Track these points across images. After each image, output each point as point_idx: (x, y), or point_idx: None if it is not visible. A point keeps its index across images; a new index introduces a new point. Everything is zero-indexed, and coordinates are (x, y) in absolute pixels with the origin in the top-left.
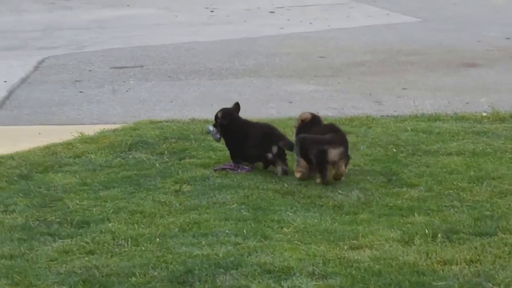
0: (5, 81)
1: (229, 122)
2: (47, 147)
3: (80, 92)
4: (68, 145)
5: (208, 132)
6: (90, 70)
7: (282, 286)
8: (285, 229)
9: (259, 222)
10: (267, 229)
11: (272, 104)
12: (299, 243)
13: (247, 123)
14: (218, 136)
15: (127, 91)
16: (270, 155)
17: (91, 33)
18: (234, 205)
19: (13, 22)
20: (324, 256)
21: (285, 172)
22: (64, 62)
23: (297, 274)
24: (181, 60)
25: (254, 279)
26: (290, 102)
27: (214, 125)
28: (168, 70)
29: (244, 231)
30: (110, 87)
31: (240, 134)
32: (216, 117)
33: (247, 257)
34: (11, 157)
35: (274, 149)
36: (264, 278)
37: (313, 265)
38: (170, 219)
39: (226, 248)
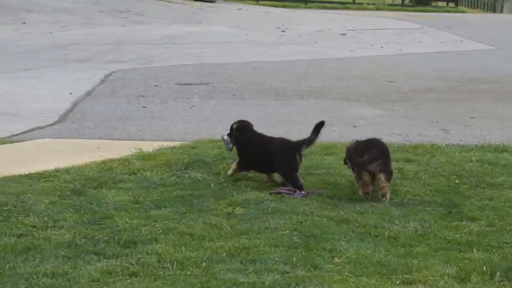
0: (71, 93)
1: (243, 135)
2: (104, 162)
3: (144, 107)
4: (124, 161)
5: (222, 140)
6: (155, 86)
7: None
8: (337, 259)
9: (310, 250)
10: (317, 258)
11: (336, 127)
12: (350, 275)
13: (261, 136)
14: (230, 146)
15: (190, 108)
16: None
17: (161, 48)
18: (286, 231)
19: (85, 35)
20: None
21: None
22: (130, 77)
23: None
24: (247, 79)
25: None
26: (354, 127)
27: (229, 135)
28: (233, 88)
29: (294, 259)
30: (174, 104)
31: (255, 146)
32: (232, 128)
33: (294, 287)
34: (67, 171)
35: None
36: None
37: None
38: (219, 243)
39: (273, 277)
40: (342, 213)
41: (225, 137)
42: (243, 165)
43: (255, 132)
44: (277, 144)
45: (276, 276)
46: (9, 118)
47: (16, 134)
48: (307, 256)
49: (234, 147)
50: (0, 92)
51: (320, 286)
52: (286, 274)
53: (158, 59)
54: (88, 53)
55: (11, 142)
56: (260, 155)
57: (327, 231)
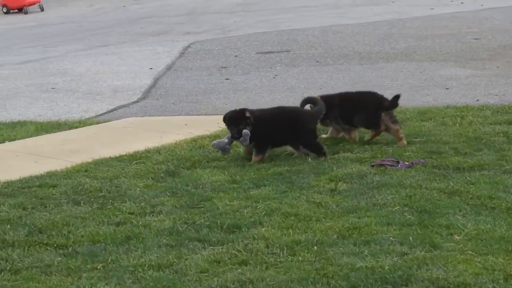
0: (151, 68)
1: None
2: (194, 140)
3: (226, 79)
4: (215, 137)
5: (223, 147)
6: (236, 56)
7: None
8: (456, 237)
9: (426, 227)
10: (435, 236)
11: (427, 90)
12: (473, 253)
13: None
14: (248, 141)
15: (274, 77)
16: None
17: (236, 16)
18: (396, 207)
19: (158, 7)
20: (505, 270)
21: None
22: (209, 48)
23: None
24: (329, 44)
25: None
26: (447, 88)
27: (238, 132)
28: (315, 54)
29: (410, 238)
30: (257, 74)
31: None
32: (244, 117)
33: (417, 270)
34: (158, 151)
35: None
36: None
37: (493, 282)
38: (328, 223)
39: (392, 259)
40: (452, 184)
41: (246, 131)
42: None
43: (263, 109)
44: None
45: (395, 259)
46: (92, 97)
47: (101, 114)
48: (423, 234)
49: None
50: (80, 71)
51: (444, 268)
52: (405, 256)
53: (234, 28)
54: (163, 26)
55: (97, 123)
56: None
57: (440, 205)
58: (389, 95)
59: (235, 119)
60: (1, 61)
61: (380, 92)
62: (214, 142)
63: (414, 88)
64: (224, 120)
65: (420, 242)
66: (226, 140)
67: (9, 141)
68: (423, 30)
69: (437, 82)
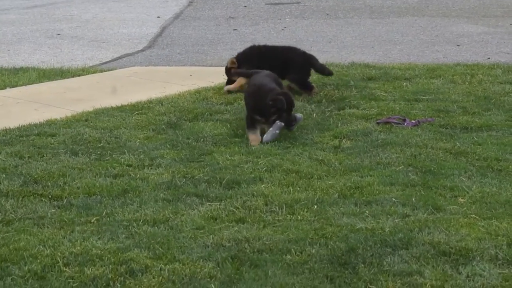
0: (159, 17)
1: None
2: (198, 92)
3: (234, 30)
4: (220, 89)
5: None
6: (245, 6)
7: (460, 273)
8: (460, 199)
9: (429, 188)
10: (438, 198)
11: (438, 47)
12: (477, 217)
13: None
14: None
15: (282, 29)
16: None
17: None
18: (400, 167)
19: None
20: (508, 235)
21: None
22: None
23: (477, 258)
24: None
25: (427, 263)
26: (458, 45)
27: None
28: (325, 7)
29: (413, 199)
30: (265, 25)
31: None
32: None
33: (418, 233)
34: (160, 102)
35: None
36: (439, 262)
37: (495, 247)
38: (329, 182)
39: (393, 221)
40: (458, 144)
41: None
42: None
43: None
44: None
45: (396, 220)
46: (98, 44)
47: (105, 62)
48: (426, 195)
49: None
50: (87, 17)
51: (446, 232)
52: (406, 218)
53: None
54: None
55: (101, 71)
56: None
57: (445, 166)
58: (398, 51)
59: (291, 104)
60: (8, 5)
61: (389, 47)
62: (267, 138)
63: (425, 44)
64: (280, 104)
65: (423, 204)
66: (277, 131)
67: (11, 87)
68: None
69: (448, 39)
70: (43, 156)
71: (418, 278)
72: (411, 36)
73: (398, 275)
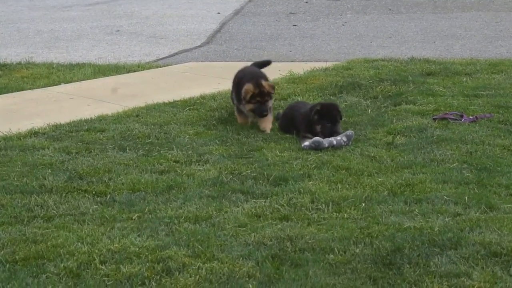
0: (219, 13)
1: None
2: None
3: (294, 25)
4: (275, 85)
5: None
6: (306, 2)
7: (511, 275)
8: None
9: (484, 186)
10: (493, 196)
11: (502, 41)
12: None
13: None
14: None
15: (343, 25)
16: None
17: None
18: (454, 164)
19: None
20: None
21: None
22: None
23: None
24: None
25: (477, 265)
26: None
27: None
28: (388, 2)
29: (466, 198)
30: (325, 21)
31: None
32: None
33: (468, 233)
34: (213, 97)
35: None
36: (489, 263)
37: None
38: (380, 179)
39: (443, 220)
40: None
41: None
42: None
43: None
44: None
45: (447, 220)
46: (156, 41)
47: (162, 58)
48: (480, 194)
49: None
50: (147, 14)
51: (499, 232)
52: (457, 217)
53: None
54: None
55: (157, 67)
56: None
57: (502, 163)
58: (460, 46)
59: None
60: (71, 2)
61: (451, 42)
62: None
63: (488, 39)
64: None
65: (476, 202)
66: (326, 145)
67: (65, 83)
68: None
69: None
70: (91, 151)
71: (465, 280)
72: (474, 31)
73: (445, 276)
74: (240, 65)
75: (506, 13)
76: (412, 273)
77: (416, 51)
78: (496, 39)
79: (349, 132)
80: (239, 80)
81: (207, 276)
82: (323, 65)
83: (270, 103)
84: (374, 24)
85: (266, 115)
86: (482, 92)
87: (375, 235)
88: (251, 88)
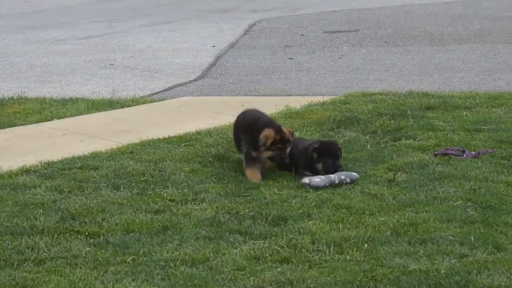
0: (214, 46)
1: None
2: None
3: (290, 58)
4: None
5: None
6: (302, 35)
7: None
8: None
9: (490, 226)
10: (499, 236)
11: (501, 74)
12: None
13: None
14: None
15: (339, 58)
16: None
17: None
18: (458, 202)
19: None
20: None
21: None
22: (275, 26)
23: None
24: (399, 24)
25: None
26: None
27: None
28: (384, 35)
29: (472, 238)
30: (322, 54)
31: None
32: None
33: (476, 276)
34: (209, 133)
35: None
36: None
37: None
38: (382, 218)
39: (449, 262)
40: None
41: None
42: None
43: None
44: None
45: (453, 261)
46: (150, 74)
47: (157, 92)
48: (486, 233)
49: None
50: (141, 47)
51: (508, 274)
52: (464, 258)
53: (304, 5)
54: (231, 2)
55: (152, 101)
56: None
57: (507, 201)
58: (459, 79)
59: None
60: (64, 36)
61: (449, 75)
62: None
63: (486, 71)
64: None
65: (483, 242)
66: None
67: (58, 118)
68: (499, 11)
69: (511, 66)
70: (84, 190)
71: None
72: (472, 64)
73: None
74: (237, 99)
75: (503, 45)
76: None
77: (414, 85)
78: (494, 71)
79: (355, 176)
80: (251, 125)
81: None
82: (320, 99)
83: (288, 150)
84: (370, 57)
85: (287, 163)
86: (483, 127)
87: (380, 278)
88: (272, 134)
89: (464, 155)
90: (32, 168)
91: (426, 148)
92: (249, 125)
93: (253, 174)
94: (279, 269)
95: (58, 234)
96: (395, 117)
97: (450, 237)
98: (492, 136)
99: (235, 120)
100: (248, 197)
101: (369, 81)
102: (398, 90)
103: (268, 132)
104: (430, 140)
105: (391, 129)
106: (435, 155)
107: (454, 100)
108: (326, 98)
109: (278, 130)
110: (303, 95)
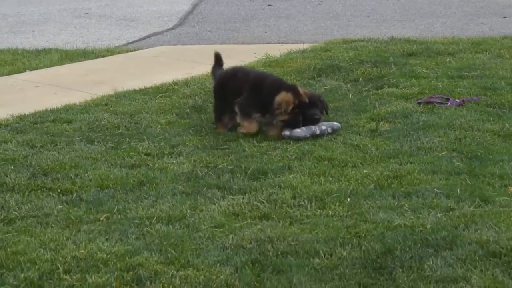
0: None
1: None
2: None
3: (269, 5)
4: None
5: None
6: None
7: None
8: (510, 189)
9: (476, 177)
10: (486, 188)
11: (483, 19)
12: None
13: None
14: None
15: (319, 4)
16: None
17: None
18: (443, 152)
19: None
20: None
21: None
22: None
23: None
24: None
25: (475, 267)
26: (505, 17)
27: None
28: None
29: (458, 190)
30: (301, 0)
31: None
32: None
33: (463, 230)
34: (186, 83)
35: None
36: (488, 266)
37: None
38: (365, 171)
39: (436, 216)
40: (507, 125)
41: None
42: None
43: None
44: None
45: (439, 215)
46: (126, 23)
47: (133, 42)
48: (473, 185)
49: None
50: None
51: (496, 228)
52: (450, 212)
53: None
54: None
55: (127, 51)
56: None
57: (493, 151)
58: (441, 24)
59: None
60: None
61: (431, 20)
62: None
63: (469, 16)
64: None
65: (469, 195)
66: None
67: (31, 70)
68: None
69: (494, 10)
70: (56, 145)
71: (464, 285)
72: (454, 8)
73: (441, 281)
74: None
75: None
76: (405, 278)
77: (395, 31)
78: (477, 16)
79: (336, 125)
80: (259, 85)
81: (181, 286)
82: (300, 46)
83: None
84: (351, 3)
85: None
86: (467, 73)
87: (363, 234)
88: (291, 98)
89: (449, 103)
90: (3, 122)
91: (409, 96)
92: (255, 85)
93: (251, 126)
94: (259, 226)
95: (29, 192)
96: (377, 64)
97: (435, 189)
98: (477, 83)
99: (223, 75)
100: (227, 150)
101: (349, 28)
102: (379, 36)
103: (287, 97)
104: (413, 87)
105: (373, 77)
106: (419, 103)
107: (437, 46)
108: (306, 46)
109: (296, 93)
110: (282, 43)
